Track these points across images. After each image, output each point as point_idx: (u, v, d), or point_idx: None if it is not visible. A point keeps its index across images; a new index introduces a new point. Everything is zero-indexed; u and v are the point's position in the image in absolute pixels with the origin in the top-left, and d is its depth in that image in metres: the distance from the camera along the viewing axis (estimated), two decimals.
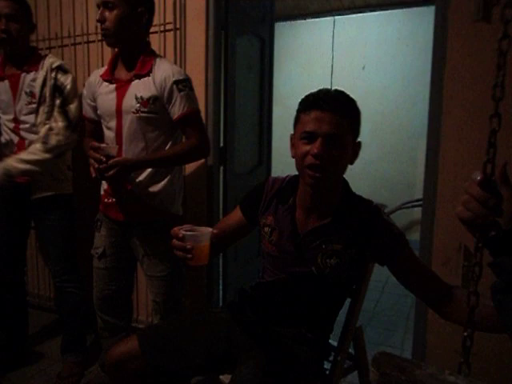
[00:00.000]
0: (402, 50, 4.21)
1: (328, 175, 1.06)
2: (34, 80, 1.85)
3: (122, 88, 1.60)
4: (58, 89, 1.85)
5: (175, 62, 2.06)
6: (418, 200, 3.83)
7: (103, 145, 1.54)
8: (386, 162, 4.39)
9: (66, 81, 1.86)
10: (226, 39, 2.17)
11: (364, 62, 4.40)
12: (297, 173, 1.16)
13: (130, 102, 1.58)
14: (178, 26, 2.04)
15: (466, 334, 0.65)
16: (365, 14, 4.27)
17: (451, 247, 1.66)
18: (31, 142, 1.84)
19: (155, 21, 2.04)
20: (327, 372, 1.27)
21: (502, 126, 0.64)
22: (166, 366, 1.21)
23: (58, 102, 1.84)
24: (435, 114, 1.69)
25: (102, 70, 1.70)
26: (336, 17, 4.40)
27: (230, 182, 2.22)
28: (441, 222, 1.70)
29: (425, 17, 3.93)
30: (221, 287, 2.30)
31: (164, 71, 1.57)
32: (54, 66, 1.86)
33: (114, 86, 1.62)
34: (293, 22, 4.54)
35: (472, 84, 1.60)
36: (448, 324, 1.69)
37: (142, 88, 1.57)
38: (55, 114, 1.83)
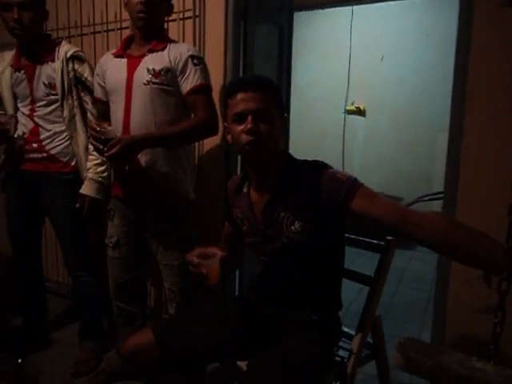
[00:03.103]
0: (422, 41, 4.12)
1: (263, 148, 1.13)
2: (52, 71, 1.86)
3: (133, 62, 1.61)
4: (79, 81, 1.87)
5: None
6: (436, 193, 3.76)
7: (102, 126, 1.51)
8: (403, 154, 4.32)
9: (85, 72, 1.88)
10: (245, 27, 2.15)
11: (382, 52, 4.32)
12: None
13: (141, 74, 1.58)
14: (197, 14, 2.03)
15: (496, 320, 0.64)
16: (384, 4, 4.18)
17: None
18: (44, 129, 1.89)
19: (174, 7, 2.05)
20: (345, 360, 1.27)
21: None
22: (181, 356, 1.24)
23: (87, 98, 1.88)
24: (458, 104, 1.64)
25: (114, 51, 1.73)
26: (354, 6, 4.33)
27: None
28: (462, 214, 1.67)
29: (446, 6, 3.84)
30: (237, 279, 2.29)
31: (180, 47, 1.62)
32: (68, 54, 1.87)
33: (125, 60, 1.64)
34: (310, 12, 4.46)
35: (498, 73, 1.55)
36: (468, 318, 1.68)
37: (154, 61, 1.59)
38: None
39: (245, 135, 1.11)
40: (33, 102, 1.90)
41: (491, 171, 1.61)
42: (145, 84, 1.56)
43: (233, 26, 2.01)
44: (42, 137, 1.90)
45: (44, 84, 1.87)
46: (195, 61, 1.57)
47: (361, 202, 1.07)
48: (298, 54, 4.31)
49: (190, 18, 2.04)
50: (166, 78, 1.56)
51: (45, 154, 1.91)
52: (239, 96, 1.13)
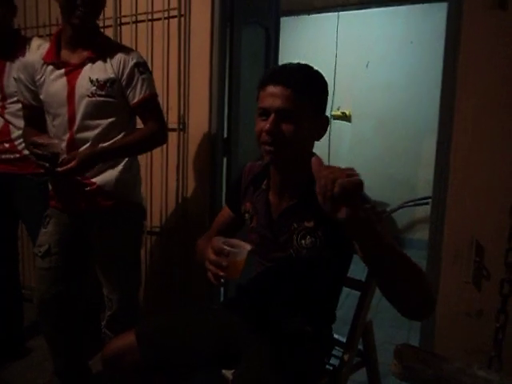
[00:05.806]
0: (406, 47, 4.15)
1: (282, 151, 1.04)
2: None
3: (73, 72, 1.48)
4: None
5: (179, 50, 2.01)
6: (421, 198, 3.78)
7: (45, 140, 1.38)
8: (388, 159, 4.32)
9: None
10: (232, 28, 2.12)
11: (368, 58, 4.33)
12: None
13: (84, 85, 1.46)
14: (182, 13, 1.99)
15: (498, 325, 0.60)
16: (369, 10, 4.21)
17: (462, 243, 1.61)
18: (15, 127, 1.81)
19: (159, 6, 2.01)
20: (335, 368, 1.23)
21: None
22: (164, 362, 1.17)
23: None
24: (447, 105, 1.64)
25: (43, 52, 1.53)
26: (340, 12, 4.34)
27: (233, 173, 2.17)
28: (451, 217, 1.65)
29: (431, 13, 3.89)
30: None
31: (122, 53, 1.50)
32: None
33: (62, 70, 1.49)
34: (296, 17, 4.47)
35: (487, 74, 1.55)
36: (458, 322, 1.65)
37: (96, 71, 1.47)
38: None
39: (263, 134, 1.04)
40: (3, 98, 1.85)
41: (481, 175, 1.60)
42: (89, 96, 1.46)
43: (219, 25, 1.98)
44: (13, 136, 1.84)
45: (15, 79, 1.80)
46: (141, 69, 1.51)
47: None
48: (284, 59, 4.30)
49: (175, 16, 2.00)
50: (113, 90, 1.48)
51: (17, 155, 1.85)
52: (268, 89, 1.03)
